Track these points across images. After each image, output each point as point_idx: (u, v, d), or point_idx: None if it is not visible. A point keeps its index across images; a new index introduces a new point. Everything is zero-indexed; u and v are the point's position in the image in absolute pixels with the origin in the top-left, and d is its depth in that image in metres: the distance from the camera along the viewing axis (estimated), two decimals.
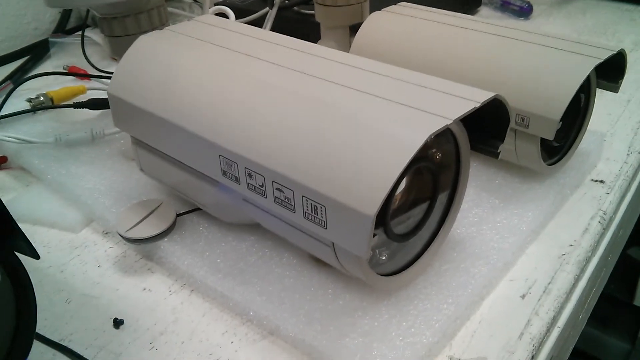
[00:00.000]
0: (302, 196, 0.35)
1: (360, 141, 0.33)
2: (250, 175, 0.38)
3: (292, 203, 0.36)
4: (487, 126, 0.40)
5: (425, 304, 0.40)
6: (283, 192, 0.36)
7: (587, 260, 0.47)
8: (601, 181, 0.54)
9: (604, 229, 0.50)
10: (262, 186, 0.37)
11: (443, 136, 0.40)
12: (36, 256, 0.33)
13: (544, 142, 0.48)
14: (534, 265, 0.45)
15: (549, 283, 0.44)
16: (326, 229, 0.34)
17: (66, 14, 1.01)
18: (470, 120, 0.37)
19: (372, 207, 0.31)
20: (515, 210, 0.48)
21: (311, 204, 0.34)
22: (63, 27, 1.00)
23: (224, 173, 0.40)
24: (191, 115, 0.41)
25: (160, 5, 0.55)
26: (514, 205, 0.49)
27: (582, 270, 0.46)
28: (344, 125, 0.34)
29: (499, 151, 0.40)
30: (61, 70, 0.81)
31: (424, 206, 0.41)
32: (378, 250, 0.40)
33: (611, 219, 0.52)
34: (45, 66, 0.92)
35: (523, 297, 0.43)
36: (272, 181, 0.36)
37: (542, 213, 0.48)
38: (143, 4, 0.53)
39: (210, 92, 0.41)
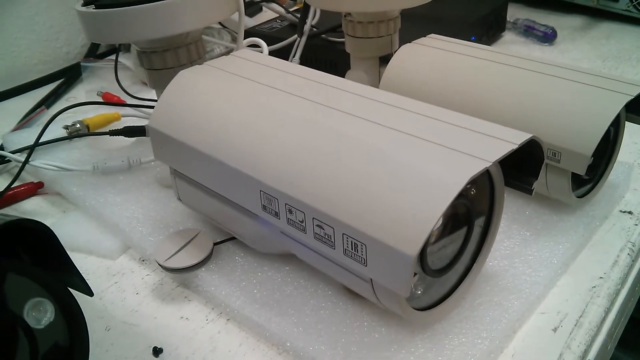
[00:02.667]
0: (343, 234, 0.36)
1: (401, 182, 0.34)
2: (290, 211, 0.39)
3: (332, 240, 0.37)
4: (521, 162, 0.41)
5: (460, 338, 0.41)
6: (323, 229, 0.37)
7: (617, 293, 0.48)
8: (629, 212, 0.55)
9: (632, 260, 0.50)
10: (302, 222, 0.39)
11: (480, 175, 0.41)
12: (90, 293, 0.34)
13: (574, 174, 0.49)
14: (565, 298, 0.46)
15: (580, 316, 0.44)
16: (366, 266, 0.35)
17: None
18: (505, 158, 0.38)
19: (414, 248, 0.32)
20: (546, 242, 0.49)
21: (352, 241, 0.36)
22: (94, 52, 1.03)
23: (264, 208, 0.41)
24: (232, 150, 0.43)
25: (198, 40, 0.57)
26: (544, 238, 0.50)
27: (612, 303, 0.47)
28: (385, 165, 0.36)
29: (533, 188, 0.41)
30: (94, 94, 0.83)
31: (458, 241, 0.42)
32: (414, 285, 0.41)
33: None
34: (77, 90, 0.94)
35: (555, 330, 0.43)
36: (313, 218, 0.37)
37: (572, 245, 0.49)
38: (182, 39, 0.55)
39: (250, 128, 0.42)
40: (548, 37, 0.94)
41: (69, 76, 0.96)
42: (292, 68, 0.50)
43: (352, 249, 0.36)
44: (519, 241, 0.49)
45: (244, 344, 0.45)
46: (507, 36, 0.98)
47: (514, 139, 0.36)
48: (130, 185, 0.61)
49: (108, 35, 0.53)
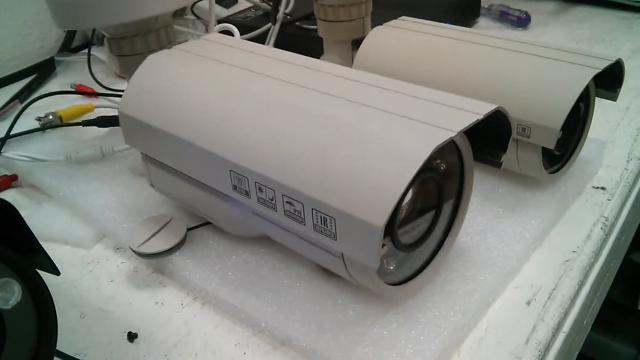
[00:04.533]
0: (312, 209, 0.36)
1: (368, 155, 0.34)
2: (260, 189, 0.39)
3: (302, 216, 0.37)
4: (490, 137, 0.41)
5: (433, 312, 0.41)
6: (293, 205, 0.37)
7: (590, 266, 0.48)
8: (602, 188, 0.55)
9: (606, 234, 0.51)
10: (272, 200, 0.38)
11: (447, 147, 0.41)
12: (56, 272, 0.34)
13: (545, 150, 0.49)
14: (538, 272, 0.46)
15: (554, 289, 0.45)
16: (336, 240, 0.35)
17: (71, 33, 1.02)
18: (473, 132, 0.38)
19: (381, 218, 0.32)
20: (519, 218, 0.49)
21: (321, 216, 0.35)
22: (68, 46, 1.02)
23: (235, 188, 0.41)
24: (201, 131, 0.42)
25: (168, 25, 0.57)
26: (517, 214, 0.50)
27: (586, 276, 0.47)
28: (351, 139, 0.35)
29: (501, 161, 0.41)
30: (68, 88, 0.82)
31: (429, 216, 0.42)
32: (386, 260, 0.41)
33: (613, 225, 0.53)
34: (52, 84, 0.93)
35: (528, 303, 0.44)
36: (282, 195, 0.37)
37: (545, 220, 0.49)
38: (151, 24, 0.55)
39: (219, 108, 0.42)
40: (522, 21, 0.94)
41: (43, 71, 0.95)
42: (263, 49, 0.50)
43: (321, 224, 0.36)
44: (491, 217, 0.49)
45: (219, 327, 0.45)
46: (482, 22, 0.99)
47: (480, 110, 0.36)
48: (103, 174, 0.60)
49: (76, 21, 0.53)
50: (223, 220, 0.48)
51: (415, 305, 0.42)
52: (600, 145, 0.58)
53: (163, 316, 0.46)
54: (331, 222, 0.35)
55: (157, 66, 0.49)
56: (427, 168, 0.40)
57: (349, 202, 0.34)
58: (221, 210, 0.46)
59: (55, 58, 0.94)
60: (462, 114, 0.36)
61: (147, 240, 0.48)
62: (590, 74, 0.46)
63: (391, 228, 0.38)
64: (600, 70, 0.46)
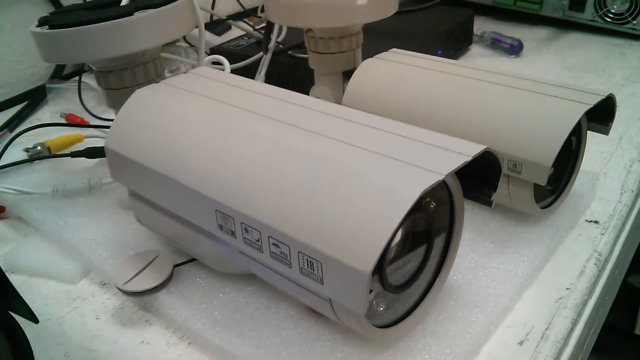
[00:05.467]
0: (298, 252, 0.35)
1: (354, 197, 0.34)
2: (246, 230, 0.38)
3: (289, 258, 0.36)
4: (480, 175, 0.40)
5: (423, 355, 0.40)
6: (279, 248, 0.36)
7: (584, 303, 0.47)
8: (595, 222, 0.54)
9: (599, 270, 0.50)
10: (258, 241, 0.38)
11: (436, 186, 0.40)
12: (35, 320, 0.33)
13: (537, 185, 0.49)
14: (531, 310, 0.45)
15: (547, 328, 0.44)
16: (322, 284, 0.35)
17: None
18: (463, 170, 0.38)
19: (368, 264, 0.31)
20: (511, 254, 0.48)
21: (307, 259, 0.35)
22: (60, 73, 1.01)
23: (221, 227, 0.40)
24: (187, 169, 0.42)
25: (156, 58, 0.56)
26: (509, 250, 0.49)
27: (579, 314, 0.46)
28: (338, 180, 0.35)
29: (492, 200, 0.41)
30: (59, 116, 0.82)
31: (419, 256, 0.42)
32: (375, 302, 0.40)
33: (607, 260, 0.52)
34: (43, 112, 0.93)
35: (521, 343, 0.43)
36: (269, 236, 0.37)
37: (538, 257, 0.48)
38: (139, 57, 0.54)
39: (205, 146, 0.42)
40: (515, 49, 0.94)
41: (33, 98, 0.94)
42: (252, 85, 0.49)
43: (308, 267, 0.35)
44: (483, 254, 0.49)
45: None
46: (474, 49, 0.99)
47: (468, 151, 0.36)
48: (91, 208, 0.60)
49: (63, 55, 0.52)
50: (209, 258, 0.47)
51: (405, 347, 0.41)
52: (593, 177, 0.58)
53: (148, 356, 0.45)
54: (317, 266, 0.34)
55: (144, 101, 0.48)
56: (416, 208, 0.39)
57: (335, 246, 0.33)
58: (207, 248, 0.45)
59: (47, 85, 0.94)
60: (450, 155, 0.36)
61: (132, 278, 0.47)
62: (581, 110, 0.45)
63: (380, 270, 0.37)
64: (591, 106, 0.46)
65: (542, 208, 0.51)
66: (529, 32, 1.03)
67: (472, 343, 0.41)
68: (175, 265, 0.49)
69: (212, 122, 0.43)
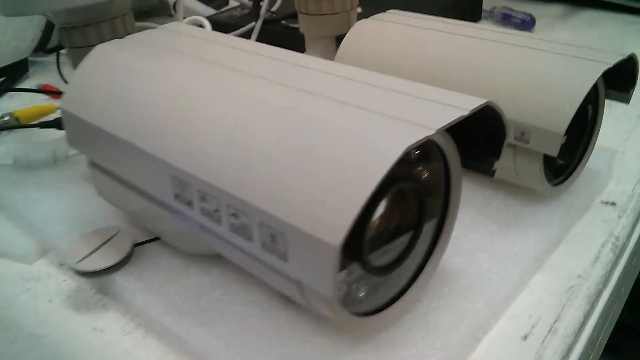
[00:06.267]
0: (260, 223, 0.29)
1: (326, 157, 0.28)
2: (203, 199, 0.33)
3: (250, 231, 0.30)
4: (481, 140, 0.35)
5: (410, 349, 0.34)
6: (239, 218, 0.31)
7: (598, 294, 0.41)
8: (612, 203, 0.48)
9: (616, 257, 0.44)
10: (216, 211, 0.32)
11: (430, 152, 0.34)
12: None
13: (547, 159, 0.43)
14: (537, 300, 0.40)
15: (555, 321, 0.38)
16: (287, 261, 0.29)
17: (47, 33, 0.97)
18: (463, 135, 0.32)
19: (337, 236, 0.26)
20: (516, 236, 0.43)
21: (269, 232, 0.29)
22: (44, 46, 0.96)
23: (177, 196, 0.35)
24: (142, 131, 0.36)
25: (126, 14, 0.51)
26: (514, 231, 0.43)
27: (593, 306, 0.40)
28: (309, 139, 0.29)
29: (494, 169, 0.35)
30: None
31: (408, 234, 0.36)
32: (355, 285, 0.34)
33: (624, 246, 0.46)
34: (23, 85, 0.87)
35: (525, 337, 0.37)
36: (227, 205, 0.31)
37: (546, 239, 0.42)
38: (105, 10, 0.49)
39: (163, 105, 0.36)
40: (526, 24, 0.88)
41: (15, 71, 0.89)
42: (226, 39, 0.43)
43: (270, 242, 0.29)
44: (484, 235, 0.43)
45: None
46: (484, 24, 0.92)
47: (467, 105, 0.30)
48: (54, 181, 0.54)
49: (22, 6, 0.47)
50: (170, 234, 0.41)
51: (389, 340, 0.35)
52: (610, 155, 0.52)
53: (100, 345, 0.40)
54: (281, 240, 0.29)
55: (104, 58, 0.42)
56: (405, 176, 0.33)
57: (301, 215, 0.27)
58: (168, 223, 0.40)
59: (29, 59, 0.89)
60: (446, 110, 0.30)
61: (87, 256, 0.42)
62: (599, 70, 0.39)
63: (358, 246, 0.31)
64: (610, 66, 0.40)
65: (552, 186, 0.45)
66: (542, 9, 0.97)
67: (468, 336, 0.35)
68: (136, 244, 0.44)
69: (175, 78, 0.37)
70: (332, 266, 0.26)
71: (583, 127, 0.46)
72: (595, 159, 0.49)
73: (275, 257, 0.29)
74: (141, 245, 0.44)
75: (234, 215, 0.31)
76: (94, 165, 0.44)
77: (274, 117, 0.31)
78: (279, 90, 0.33)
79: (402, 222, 0.35)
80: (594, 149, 0.48)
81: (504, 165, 0.38)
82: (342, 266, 0.31)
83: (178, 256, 0.43)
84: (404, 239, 0.36)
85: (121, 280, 0.42)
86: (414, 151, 0.34)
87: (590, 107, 0.46)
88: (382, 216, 0.34)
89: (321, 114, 0.30)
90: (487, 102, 0.30)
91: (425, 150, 0.34)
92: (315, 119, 0.30)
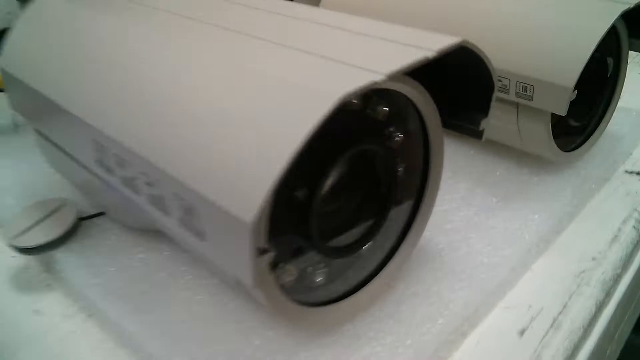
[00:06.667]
0: (174, 193, 0.24)
1: (248, 114, 0.22)
2: (120, 164, 0.27)
3: (165, 203, 0.25)
4: (469, 98, 0.28)
5: (373, 347, 0.28)
6: (154, 188, 0.25)
7: (616, 280, 0.35)
8: (637, 173, 0.41)
9: None
10: (133, 179, 0.26)
11: (403, 111, 0.28)
12: None
13: (559, 121, 0.36)
14: (539, 287, 0.33)
15: (559, 313, 0.32)
16: (204, 241, 0.23)
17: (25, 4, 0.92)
18: (446, 91, 0.26)
19: (250, 211, 0.20)
20: (518, 211, 0.36)
21: (183, 205, 0.23)
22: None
23: (99, 162, 0.29)
24: (67, 89, 0.31)
25: None
26: (517, 205, 0.37)
27: (609, 294, 0.34)
28: (231, 92, 0.23)
29: (481, 129, 0.29)
30: None
31: (375, 207, 0.30)
32: (312, 269, 0.28)
33: None
34: None
35: (521, 332, 0.31)
36: (140, 171, 0.25)
37: (554, 215, 0.36)
38: None
39: (90, 62, 0.31)
40: None
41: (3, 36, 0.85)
42: None
43: (186, 216, 0.24)
44: (480, 210, 0.37)
45: (98, 349, 0.33)
46: None
47: (434, 46, 0.23)
48: (11, 149, 0.49)
49: None
50: (109, 207, 0.36)
51: (352, 333, 0.29)
52: (636, 117, 0.44)
53: (37, 329, 0.35)
54: (196, 215, 0.23)
55: (43, 10, 0.37)
56: (368, 139, 0.27)
57: (214, 184, 0.22)
58: (104, 194, 0.34)
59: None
60: (407, 51, 0.24)
61: (26, 231, 0.37)
62: (617, 11, 0.32)
63: (305, 224, 0.26)
64: (631, 7, 0.32)
65: (565, 152, 0.38)
66: None
67: (449, 330, 0.29)
68: (82, 218, 0.39)
69: (108, 30, 0.32)
70: (247, 248, 0.20)
71: (602, 83, 0.39)
72: (617, 122, 0.42)
73: (192, 235, 0.24)
74: (88, 220, 0.39)
75: (149, 184, 0.25)
76: (37, 131, 0.39)
77: (197, 68, 0.25)
78: (219, 39, 0.27)
79: (367, 193, 0.29)
80: (616, 110, 0.41)
81: (505, 127, 0.31)
82: (284, 248, 0.25)
83: (128, 232, 0.38)
84: (370, 214, 0.30)
85: (62, 257, 0.37)
86: (381, 107, 0.28)
87: (610, 60, 0.39)
88: (335, 183, 0.28)
89: (252, 63, 0.24)
90: (461, 41, 0.24)
91: (396, 108, 0.28)
92: (242, 68, 0.24)
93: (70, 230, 0.37)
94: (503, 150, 0.41)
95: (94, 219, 0.39)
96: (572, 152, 0.39)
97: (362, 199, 0.29)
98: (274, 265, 0.26)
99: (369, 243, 0.30)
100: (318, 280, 0.29)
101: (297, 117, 0.20)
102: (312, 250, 0.27)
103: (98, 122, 0.28)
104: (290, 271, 0.27)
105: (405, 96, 0.27)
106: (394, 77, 0.21)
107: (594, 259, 0.35)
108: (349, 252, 0.29)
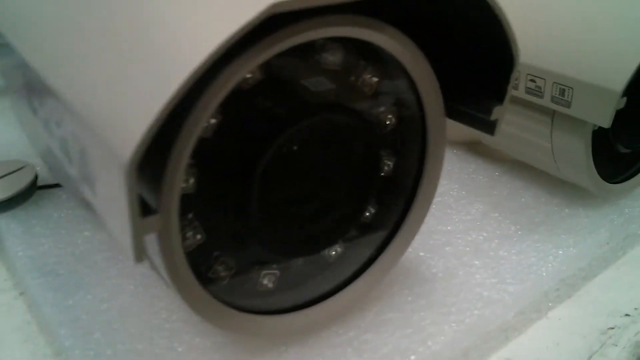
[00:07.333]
0: (72, 133, 0.19)
1: (149, 44, 0.17)
2: (41, 103, 0.22)
3: (68, 146, 0.20)
4: (484, 79, 0.22)
5: None
6: (60, 128, 0.20)
7: None
8: None
9: None
10: (47, 120, 0.22)
11: (401, 89, 0.23)
12: None
13: (604, 144, 0.29)
14: (553, 339, 0.26)
15: None
16: (95, 195, 0.18)
17: None
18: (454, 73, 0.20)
19: (127, 148, 0.14)
20: (540, 244, 0.30)
21: (79, 147, 0.18)
22: None
23: (29, 102, 0.25)
24: (13, 21, 0.27)
25: None
26: (539, 236, 0.30)
27: None
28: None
29: (493, 119, 0.22)
30: None
31: (345, 205, 0.24)
32: (258, 268, 0.23)
33: None
34: None
35: None
36: (50, 108, 0.21)
37: (585, 256, 0.29)
38: None
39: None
40: None
41: None
42: None
43: (82, 162, 0.19)
44: (492, 236, 0.30)
45: (19, 332, 0.28)
46: None
47: None
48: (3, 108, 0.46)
49: None
50: (60, 177, 0.32)
51: (297, 358, 0.23)
52: None
53: None
54: (88, 159, 0.18)
55: None
56: (337, 107, 0.22)
57: (105, 112, 0.16)
58: (52, 159, 0.30)
59: None
60: None
61: None
62: None
63: (244, 201, 0.20)
64: None
65: (609, 183, 0.32)
66: None
67: None
68: (40, 187, 0.34)
69: None
70: (124, 197, 0.15)
71: None
72: None
73: (89, 189, 0.19)
74: (47, 191, 0.35)
75: (57, 124, 0.20)
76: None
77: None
78: None
79: (340, 184, 0.23)
80: None
81: (537, 142, 0.25)
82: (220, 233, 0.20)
83: (83, 209, 0.33)
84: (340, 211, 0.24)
85: (6, 225, 0.32)
86: (369, 77, 0.22)
87: None
88: (296, 161, 0.22)
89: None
90: None
91: (392, 86, 0.22)
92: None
93: (21, 194, 0.33)
94: (534, 174, 0.35)
95: (54, 190, 0.35)
96: (616, 185, 0.32)
97: (330, 188, 0.23)
98: (204, 252, 0.20)
99: (336, 247, 0.24)
100: (265, 283, 0.23)
101: (217, 24, 0.15)
102: (254, 242, 0.22)
103: (27, 55, 0.23)
104: (227, 264, 0.22)
105: (405, 71, 0.22)
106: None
107: (627, 315, 0.28)
108: (302, 252, 0.23)
